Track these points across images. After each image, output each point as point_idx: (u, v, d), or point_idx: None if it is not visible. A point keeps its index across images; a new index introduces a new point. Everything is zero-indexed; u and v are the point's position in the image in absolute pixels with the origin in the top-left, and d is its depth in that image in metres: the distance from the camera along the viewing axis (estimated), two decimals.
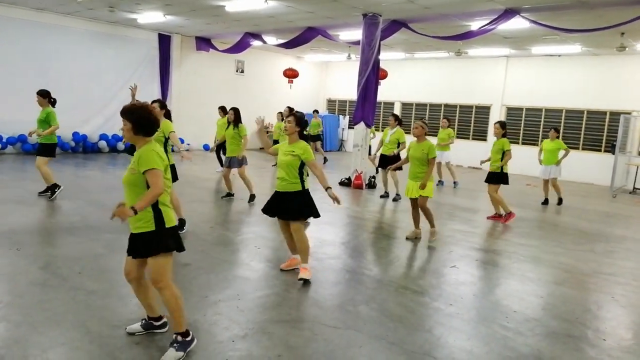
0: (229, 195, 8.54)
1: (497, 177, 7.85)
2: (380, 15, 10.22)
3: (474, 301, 4.49)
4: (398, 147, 9.34)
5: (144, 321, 3.44)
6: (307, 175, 4.87)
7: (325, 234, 6.57)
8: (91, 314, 3.66)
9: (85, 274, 4.49)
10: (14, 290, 4.04)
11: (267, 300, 4.20)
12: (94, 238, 5.62)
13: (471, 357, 3.40)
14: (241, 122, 8.20)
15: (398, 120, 9.60)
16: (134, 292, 3.35)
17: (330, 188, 4.66)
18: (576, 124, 14.60)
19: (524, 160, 13.33)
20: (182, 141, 15.45)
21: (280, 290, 4.45)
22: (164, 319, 3.46)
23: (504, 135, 7.81)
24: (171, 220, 3.15)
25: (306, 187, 4.75)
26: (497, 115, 15.80)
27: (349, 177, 10.90)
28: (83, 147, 13.43)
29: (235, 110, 8.27)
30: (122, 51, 14.22)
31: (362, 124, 10.82)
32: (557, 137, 9.92)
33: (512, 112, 15.79)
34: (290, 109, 10.05)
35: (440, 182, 11.76)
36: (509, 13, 9.14)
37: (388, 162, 9.05)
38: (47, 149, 7.49)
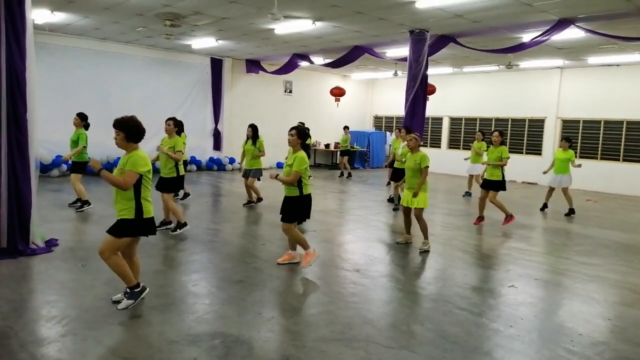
0: (249, 202, 9.23)
1: (498, 184, 8.10)
2: (428, 31, 10.17)
3: (536, 323, 4.29)
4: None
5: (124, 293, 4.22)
6: (310, 176, 5.59)
7: (375, 251, 6.50)
8: (152, 329, 3.78)
9: None
10: (80, 305, 4.24)
11: (320, 318, 4.19)
12: (152, 254, 5.83)
13: None
14: (259, 138, 8.89)
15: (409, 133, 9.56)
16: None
17: (278, 175, 5.31)
18: (638, 136, 13.82)
19: (582, 174, 12.72)
20: (232, 161, 15.89)
21: (333, 308, 4.43)
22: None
23: (502, 143, 8.17)
24: (149, 212, 4.02)
25: (305, 193, 5.35)
26: (552, 128, 15.24)
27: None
28: None
29: (253, 127, 8.95)
30: (177, 76, 14.87)
31: (389, 137, 10.75)
32: (570, 147, 9.89)
33: (568, 124, 15.17)
34: (301, 124, 10.49)
35: (468, 194, 12.00)
36: (563, 23, 8.85)
37: (401, 175, 8.96)
38: (78, 166, 8.18)
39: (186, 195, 9.72)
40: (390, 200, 10.74)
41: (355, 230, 7.85)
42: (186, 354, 3.41)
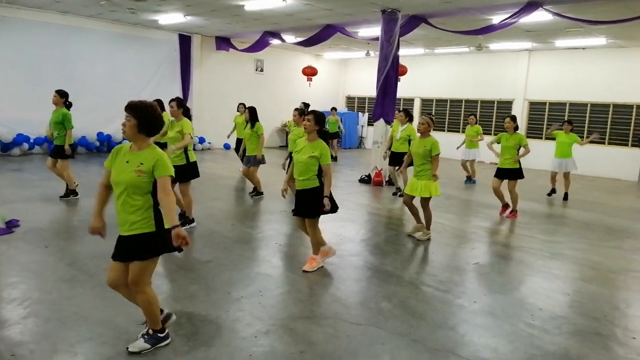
0: (258, 193, 8.53)
1: (516, 173, 7.74)
2: (400, 11, 10.13)
3: (499, 299, 4.43)
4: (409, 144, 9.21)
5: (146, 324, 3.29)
6: None
7: (346, 230, 6.55)
8: (118, 310, 3.71)
9: None
10: (42, 287, 4.14)
11: (289, 297, 4.21)
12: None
13: (496, 355, 3.35)
14: (257, 121, 8.20)
15: (409, 116, 9.24)
16: (127, 298, 3.21)
17: (327, 197, 4.64)
18: (602, 118, 14.25)
19: (546, 155, 13.04)
20: (202, 140, 15.64)
21: (301, 287, 4.46)
22: (165, 312, 3.36)
23: (516, 129, 7.69)
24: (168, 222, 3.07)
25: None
26: (519, 109, 15.53)
27: (369, 174, 10.85)
28: (107, 147, 13.67)
29: (251, 110, 8.26)
30: (143, 52, 14.42)
31: (381, 121, 10.75)
32: (572, 130, 9.71)
33: (535, 106, 15.50)
34: (306, 105, 10.00)
35: (472, 180, 11.51)
36: (531, 6, 8.95)
37: (399, 159, 8.94)
38: (62, 151, 7.34)
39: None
40: (362, 180, 10.81)
41: None
42: None
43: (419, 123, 6.11)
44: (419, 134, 6.18)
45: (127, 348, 3.14)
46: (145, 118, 2.98)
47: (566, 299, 4.51)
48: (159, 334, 3.22)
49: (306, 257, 5.14)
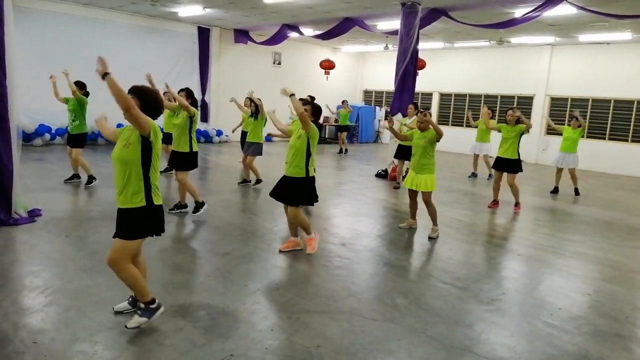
0: (257, 182, 8.80)
1: (515, 164, 7.71)
2: (419, 4, 10.01)
3: (517, 297, 4.37)
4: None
5: (130, 299, 3.57)
6: (314, 168, 5.03)
7: (362, 225, 6.54)
8: None
9: None
10: (63, 276, 4.22)
11: (305, 291, 4.22)
12: None
13: (514, 354, 3.31)
14: (260, 114, 8.50)
15: (418, 110, 9.22)
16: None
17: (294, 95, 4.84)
18: (625, 115, 13.93)
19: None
20: (220, 133, 15.72)
21: (317, 281, 4.46)
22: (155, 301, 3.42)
23: (517, 121, 7.64)
24: (159, 199, 3.28)
25: (311, 175, 4.94)
26: (540, 105, 15.28)
27: (385, 169, 10.79)
28: None
29: (257, 105, 8.50)
30: (163, 44, 14.54)
31: (399, 115, 10.66)
32: (579, 127, 9.57)
33: (557, 102, 15.22)
34: (311, 98, 10.02)
35: (474, 175, 11.50)
36: None
37: (405, 152, 8.90)
38: (79, 139, 7.63)
39: (167, 169, 9.38)
40: (379, 175, 10.76)
41: (342, 205, 7.86)
42: (171, 325, 3.41)
43: (417, 121, 6.00)
44: (419, 128, 6.03)
45: (126, 325, 3.28)
46: (149, 101, 3.21)
47: (586, 299, 4.43)
48: (151, 305, 3.34)
49: (323, 251, 5.15)
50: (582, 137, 9.85)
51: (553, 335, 3.61)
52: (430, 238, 6.03)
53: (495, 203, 8.08)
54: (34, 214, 5.87)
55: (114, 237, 3.23)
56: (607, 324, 3.89)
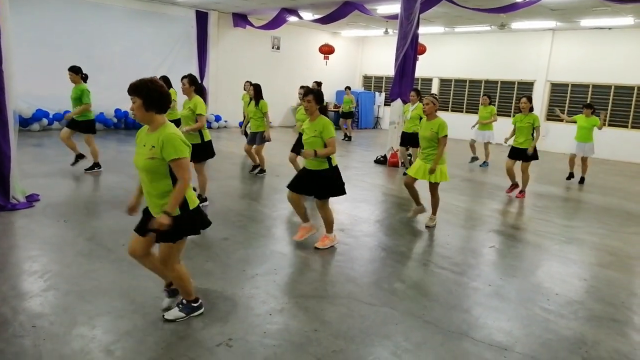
0: (255, 168, 8.62)
1: (532, 154, 7.71)
2: None
3: (514, 282, 4.39)
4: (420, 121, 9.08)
5: (166, 292, 3.49)
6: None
7: (361, 211, 6.54)
8: (135, 284, 3.78)
9: None
10: (62, 260, 4.23)
11: (303, 276, 4.24)
12: None
13: (511, 338, 3.34)
14: (262, 99, 8.09)
15: (420, 96, 9.05)
16: (143, 265, 3.35)
17: (315, 153, 4.57)
18: (626, 101, 13.87)
19: (570, 138, 12.79)
20: (218, 118, 15.65)
21: (316, 266, 4.48)
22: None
23: (531, 110, 7.68)
24: (194, 202, 3.13)
25: (334, 164, 4.75)
26: (541, 91, 15.20)
27: (385, 155, 10.77)
28: (125, 123, 13.77)
29: (256, 87, 8.12)
30: (160, 28, 14.36)
31: (399, 101, 10.61)
32: (593, 114, 9.47)
33: (557, 88, 15.14)
34: (318, 84, 9.74)
35: (475, 159, 11.39)
36: None
37: (410, 139, 8.86)
38: (88, 126, 7.68)
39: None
40: (378, 161, 10.74)
41: None
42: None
43: (424, 103, 5.80)
44: (425, 116, 5.85)
45: (163, 316, 3.27)
46: (149, 95, 2.90)
47: (583, 284, 4.46)
48: (192, 304, 3.33)
49: (321, 236, 5.15)
50: (603, 126, 9.56)
51: (549, 320, 3.64)
52: (427, 227, 5.97)
53: (514, 186, 8.01)
54: (32, 199, 5.87)
55: (156, 241, 3.14)
56: (603, 309, 3.91)
